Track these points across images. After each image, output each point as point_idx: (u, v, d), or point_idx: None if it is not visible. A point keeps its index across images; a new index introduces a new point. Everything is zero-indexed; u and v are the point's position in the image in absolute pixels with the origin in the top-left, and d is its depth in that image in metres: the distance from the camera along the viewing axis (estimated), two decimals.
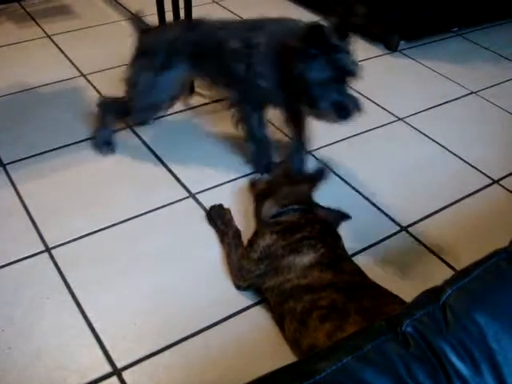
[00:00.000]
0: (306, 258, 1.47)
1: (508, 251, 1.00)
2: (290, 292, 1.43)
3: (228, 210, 1.82)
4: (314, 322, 1.33)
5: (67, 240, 1.74)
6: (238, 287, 1.60)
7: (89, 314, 1.52)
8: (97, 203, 1.88)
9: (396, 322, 0.88)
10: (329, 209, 1.70)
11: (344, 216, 1.69)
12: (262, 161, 2.05)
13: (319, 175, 1.81)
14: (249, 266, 1.55)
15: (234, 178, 2.01)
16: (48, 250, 1.70)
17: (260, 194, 1.78)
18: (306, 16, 3.12)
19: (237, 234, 1.72)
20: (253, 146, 2.03)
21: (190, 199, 1.91)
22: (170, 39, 1.93)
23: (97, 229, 1.78)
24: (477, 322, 0.88)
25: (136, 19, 2.03)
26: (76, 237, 1.75)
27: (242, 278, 1.58)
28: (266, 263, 1.52)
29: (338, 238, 1.61)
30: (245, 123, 1.98)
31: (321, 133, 2.19)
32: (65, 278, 1.62)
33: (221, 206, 1.83)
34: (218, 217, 1.79)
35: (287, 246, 1.51)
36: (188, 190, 1.94)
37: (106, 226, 1.79)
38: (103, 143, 2.11)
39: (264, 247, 1.54)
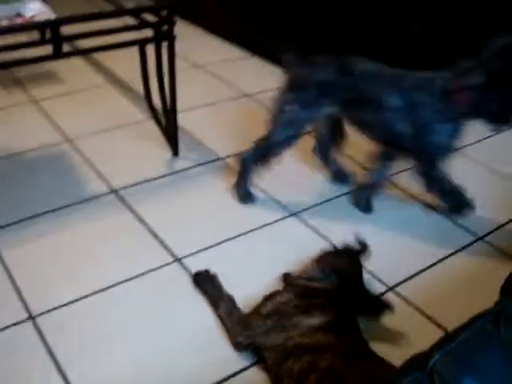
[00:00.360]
0: (314, 320, 1.48)
1: (493, 312, 1.00)
2: (291, 350, 1.42)
3: (215, 275, 1.80)
4: None
5: (51, 307, 1.71)
6: (238, 345, 1.57)
7: None
8: (81, 269, 1.86)
9: None
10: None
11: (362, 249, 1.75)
12: (462, 205, 2.14)
13: (362, 249, 1.79)
14: (256, 321, 1.54)
15: (219, 241, 2.01)
16: (32, 318, 1.68)
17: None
18: None
19: (230, 297, 1.70)
20: (446, 197, 2.12)
21: (176, 264, 1.90)
22: (321, 79, 1.99)
23: (81, 296, 1.75)
24: None
25: (288, 55, 2.08)
26: (60, 304, 1.72)
27: (245, 333, 1.55)
28: (274, 319, 1.51)
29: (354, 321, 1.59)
30: (429, 178, 2.05)
31: (300, 194, 2.22)
32: (49, 348, 1.58)
33: (207, 271, 1.82)
34: (206, 282, 1.78)
35: (300, 306, 1.52)
36: (173, 255, 1.94)
37: (91, 292, 1.77)
38: (245, 194, 2.20)
39: (277, 303, 1.55)
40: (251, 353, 1.57)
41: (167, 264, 1.90)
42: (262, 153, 2.13)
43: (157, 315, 1.71)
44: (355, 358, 1.40)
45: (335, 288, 1.62)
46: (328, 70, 2.00)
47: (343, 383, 1.30)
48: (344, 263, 1.71)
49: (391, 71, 1.99)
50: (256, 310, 1.58)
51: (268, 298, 1.61)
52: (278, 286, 1.71)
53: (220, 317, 1.66)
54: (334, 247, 1.85)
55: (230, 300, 1.69)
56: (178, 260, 1.91)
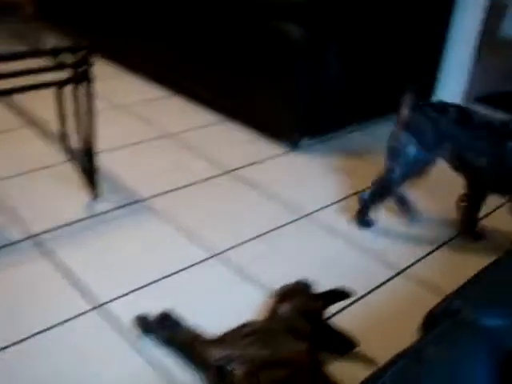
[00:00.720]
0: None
1: (412, 352, 1.01)
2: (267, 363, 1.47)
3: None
4: None
5: None
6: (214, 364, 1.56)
7: None
8: None
9: None
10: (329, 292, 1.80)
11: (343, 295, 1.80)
12: None
13: (340, 295, 1.82)
14: (231, 340, 1.56)
15: (143, 284, 1.97)
16: None
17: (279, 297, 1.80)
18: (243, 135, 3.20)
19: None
20: None
21: (98, 310, 1.85)
22: (440, 125, 2.11)
23: None
24: None
25: (408, 95, 2.16)
26: None
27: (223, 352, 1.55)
28: (252, 338, 1.55)
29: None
30: None
31: (225, 235, 2.22)
32: None
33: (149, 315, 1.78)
34: (157, 323, 1.73)
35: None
36: (96, 300, 1.88)
37: (6, 344, 1.69)
38: (365, 223, 2.36)
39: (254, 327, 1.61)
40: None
41: (90, 310, 1.84)
42: (381, 192, 2.28)
43: (81, 366, 1.65)
44: None
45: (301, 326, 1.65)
46: (449, 117, 2.13)
47: None
48: (305, 300, 1.76)
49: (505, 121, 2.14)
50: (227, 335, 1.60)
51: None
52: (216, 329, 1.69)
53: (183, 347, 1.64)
54: (290, 285, 1.87)
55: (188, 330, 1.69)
56: (100, 305, 1.86)
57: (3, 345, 1.69)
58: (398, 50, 3.09)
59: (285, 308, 1.72)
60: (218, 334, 1.62)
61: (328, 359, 1.66)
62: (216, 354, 1.54)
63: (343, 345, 1.71)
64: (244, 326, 1.62)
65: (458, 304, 1.03)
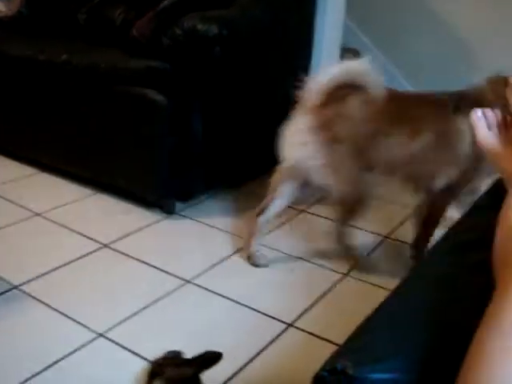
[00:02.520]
0: None
1: None
2: None
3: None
4: None
5: None
6: None
7: None
8: None
9: None
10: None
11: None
12: None
13: (210, 359, 1.77)
14: None
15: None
16: None
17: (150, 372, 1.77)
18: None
19: None
20: None
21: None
22: None
23: None
24: None
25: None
26: None
27: None
28: None
29: None
30: None
31: (108, 312, 2.16)
32: None
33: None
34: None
35: None
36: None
37: None
38: None
39: None
40: None
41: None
42: None
43: None
44: None
45: None
46: None
47: None
48: (177, 370, 1.74)
49: None
50: None
51: None
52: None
53: None
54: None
55: None
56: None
57: None
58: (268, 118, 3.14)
59: (159, 382, 1.69)
60: None
61: None
62: None
63: None
64: None
65: (344, 362, 1.04)
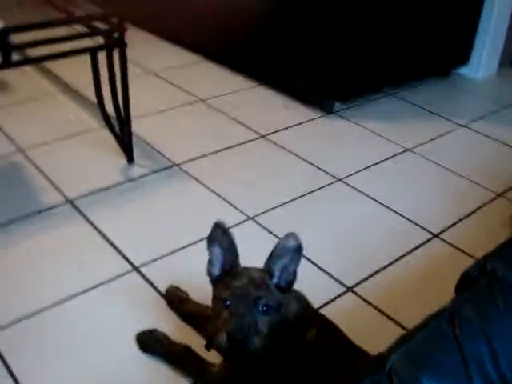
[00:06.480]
0: None
1: (448, 311, 1.01)
2: None
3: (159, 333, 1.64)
4: None
5: (6, 323, 1.67)
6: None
7: None
8: (36, 282, 1.83)
9: None
10: None
11: None
12: None
13: None
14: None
15: (177, 248, 2.00)
16: None
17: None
18: (246, 83, 3.20)
19: (190, 351, 1.56)
20: None
21: (134, 273, 1.88)
22: None
23: (36, 310, 1.72)
24: None
25: None
26: (14, 320, 1.69)
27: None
28: None
29: None
30: None
31: (258, 198, 2.23)
32: (7, 364, 1.55)
33: (153, 331, 1.64)
34: (154, 344, 1.61)
35: None
36: (131, 264, 1.92)
37: (46, 305, 1.74)
38: None
39: None
40: None
41: (126, 273, 1.88)
42: None
43: (117, 326, 1.69)
44: None
45: None
46: None
47: None
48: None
49: None
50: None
51: None
52: None
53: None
54: None
55: (190, 352, 1.56)
56: (136, 269, 1.90)
57: (47, 304, 1.74)
58: (436, 12, 3.02)
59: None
60: None
61: None
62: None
63: None
64: None
65: (494, 264, 1.02)
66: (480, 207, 2.31)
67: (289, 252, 1.36)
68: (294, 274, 1.38)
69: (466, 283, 1.05)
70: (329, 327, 1.45)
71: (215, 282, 1.40)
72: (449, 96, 3.27)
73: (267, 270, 1.36)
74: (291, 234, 1.35)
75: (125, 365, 1.58)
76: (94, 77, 2.27)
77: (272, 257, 1.36)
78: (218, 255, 1.39)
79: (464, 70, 3.47)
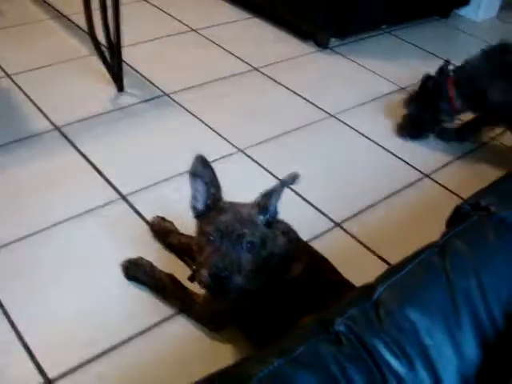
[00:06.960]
0: None
1: (439, 245, 1.00)
2: None
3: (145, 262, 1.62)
4: None
5: None
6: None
7: (19, 327, 1.46)
8: (22, 209, 1.81)
9: (328, 321, 0.87)
10: None
11: None
12: None
13: None
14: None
15: (165, 178, 1.97)
16: None
17: None
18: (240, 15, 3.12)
19: (174, 280, 1.56)
20: None
21: (121, 201, 1.86)
22: None
23: (22, 236, 1.70)
24: (409, 318, 0.88)
25: None
26: (2, 244, 1.67)
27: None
28: None
29: None
30: None
31: (249, 130, 2.21)
32: None
33: (138, 259, 1.62)
34: (139, 272, 1.60)
35: None
36: (118, 192, 1.89)
37: (34, 231, 1.72)
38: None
39: None
40: None
41: (112, 201, 1.86)
42: None
43: (103, 253, 1.68)
44: None
45: None
46: None
47: None
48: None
49: None
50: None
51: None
52: None
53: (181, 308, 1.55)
54: None
55: (176, 283, 1.55)
56: (123, 197, 1.87)
57: (34, 231, 1.73)
58: None
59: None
60: None
61: None
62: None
63: None
64: None
65: (488, 200, 1.01)
66: (472, 150, 2.30)
67: (283, 190, 1.34)
68: (276, 208, 1.36)
69: (458, 218, 1.04)
70: (318, 260, 1.45)
71: (199, 216, 1.38)
72: (447, 37, 3.22)
73: (262, 205, 1.34)
74: (295, 175, 1.33)
75: (110, 291, 1.58)
76: (84, 3, 2.20)
77: (271, 193, 1.34)
78: (200, 189, 1.36)
79: (464, 12, 3.41)
